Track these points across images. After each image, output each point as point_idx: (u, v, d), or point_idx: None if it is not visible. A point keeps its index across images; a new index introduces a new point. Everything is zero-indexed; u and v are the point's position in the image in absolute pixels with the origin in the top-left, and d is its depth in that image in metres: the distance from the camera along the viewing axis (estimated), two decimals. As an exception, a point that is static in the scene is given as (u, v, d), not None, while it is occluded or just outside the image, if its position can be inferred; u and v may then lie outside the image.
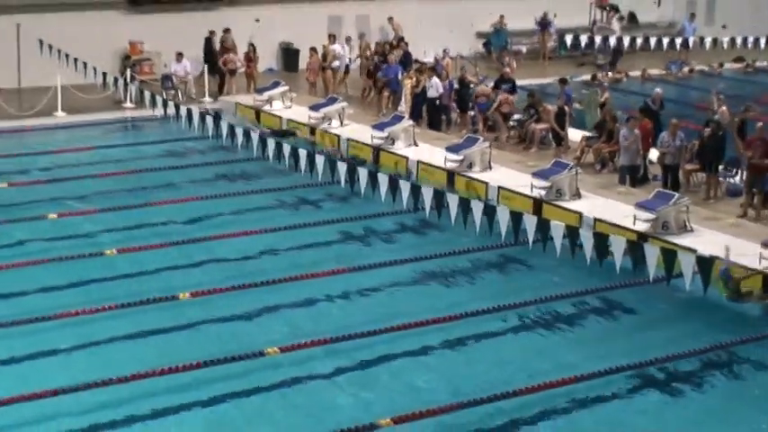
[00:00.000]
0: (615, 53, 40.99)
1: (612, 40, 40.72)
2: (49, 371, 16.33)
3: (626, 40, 40.29)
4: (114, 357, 16.90)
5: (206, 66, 36.23)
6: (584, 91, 33.43)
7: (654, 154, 25.86)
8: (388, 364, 16.90)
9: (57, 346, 17.14)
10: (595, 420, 15.46)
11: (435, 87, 31.00)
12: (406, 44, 36.88)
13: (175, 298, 19.04)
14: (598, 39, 41.21)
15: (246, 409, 15.50)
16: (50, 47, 32.08)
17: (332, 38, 37.00)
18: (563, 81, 30.88)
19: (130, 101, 33.10)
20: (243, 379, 16.16)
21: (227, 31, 36.64)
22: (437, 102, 31.16)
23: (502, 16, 41.87)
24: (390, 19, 39.74)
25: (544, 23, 42.63)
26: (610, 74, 39.23)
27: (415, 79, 31.48)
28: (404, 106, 31.84)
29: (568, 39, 41.98)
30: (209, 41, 36.41)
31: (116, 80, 31.96)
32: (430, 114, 31.31)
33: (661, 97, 28.50)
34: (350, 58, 36.69)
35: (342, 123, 30.78)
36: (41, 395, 15.17)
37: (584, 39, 41.23)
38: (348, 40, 37.50)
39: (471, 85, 32.11)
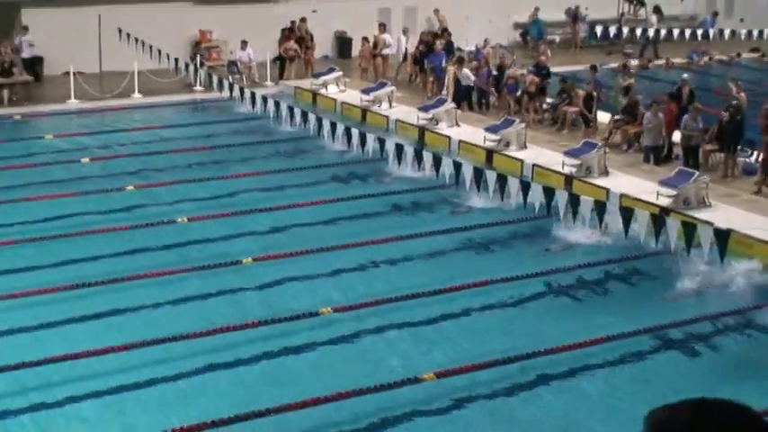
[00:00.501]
0: (650, 43, 41.07)
1: (651, 32, 40.77)
2: (135, 324, 16.47)
3: (651, 31, 40.36)
4: (188, 314, 17.05)
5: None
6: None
7: (677, 135, 25.73)
8: (434, 324, 16.91)
9: (141, 303, 17.34)
10: (626, 377, 15.52)
11: (466, 77, 31.06)
12: (449, 34, 36.83)
13: (239, 263, 19.14)
14: (626, 29, 41.08)
15: (306, 361, 15.63)
16: (128, 35, 32.26)
17: (382, 27, 37.01)
18: (593, 68, 30.74)
19: (200, 84, 33.24)
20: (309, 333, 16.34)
21: (302, 20, 36.75)
22: (470, 89, 31.16)
23: (537, 8, 41.75)
24: (436, 11, 39.69)
25: (575, 15, 42.49)
26: (637, 61, 38.98)
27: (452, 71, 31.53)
28: (447, 91, 31.81)
29: (598, 29, 41.75)
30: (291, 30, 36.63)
31: (187, 65, 32.12)
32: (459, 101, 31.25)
33: (691, 87, 28.30)
34: (406, 48, 36.69)
35: (390, 105, 30.84)
36: (131, 346, 15.35)
37: (612, 29, 41.08)
38: (405, 31, 37.48)
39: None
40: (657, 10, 43.35)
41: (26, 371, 14.72)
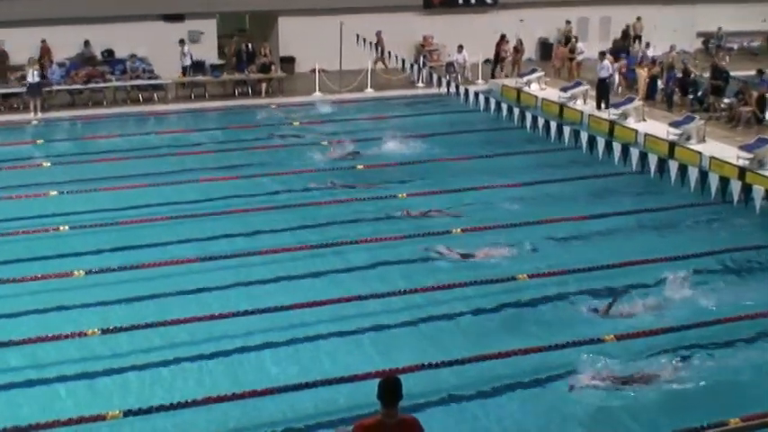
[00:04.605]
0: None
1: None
2: (257, 295, 16.03)
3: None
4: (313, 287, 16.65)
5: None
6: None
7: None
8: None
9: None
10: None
11: (606, 69, 30.03)
12: (640, 40, 36.01)
13: (448, 232, 19.00)
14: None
15: (504, 317, 15.48)
16: (364, 39, 32.62)
17: (573, 35, 36.73)
18: (759, 72, 29.34)
19: (422, 81, 33.35)
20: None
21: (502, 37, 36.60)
22: (606, 81, 30.02)
23: (719, 27, 40.45)
24: (639, 19, 38.59)
25: None
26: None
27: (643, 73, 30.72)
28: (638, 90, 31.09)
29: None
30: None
31: (412, 65, 32.24)
32: (599, 91, 30.14)
33: None
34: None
35: (584, 102, 30.34)
36: (251, 312, 15.13)
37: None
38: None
39: (691, 75, 30.96)
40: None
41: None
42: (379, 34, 35.01)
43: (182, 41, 32.68)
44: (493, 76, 35.32)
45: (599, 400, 12.80)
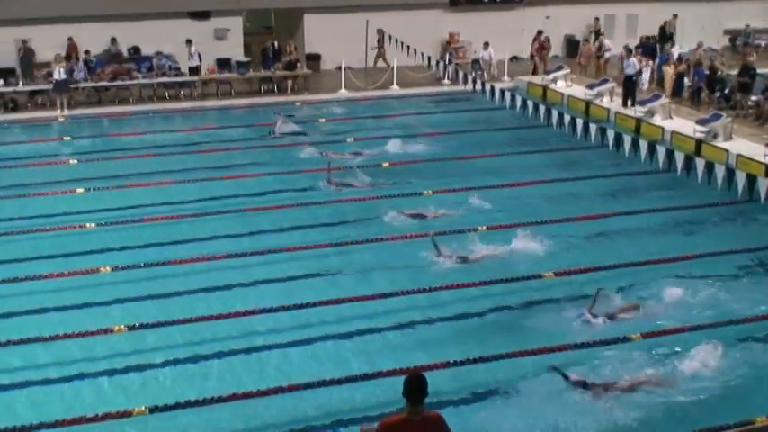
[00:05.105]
0: None
1: None
2: (285, 292, 16.04)
3: None
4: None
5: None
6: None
7: None
8: (638, 289, 16.32)
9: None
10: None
11: (632, 66, 29.89)
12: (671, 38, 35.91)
13: (474, 230, 18.92)
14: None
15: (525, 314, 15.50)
16: (390, 36, 32.61)
17: (600, 32, 36.49)
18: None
19: (447, 78, 33.33)
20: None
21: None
22: (633, 78, 29.87)
23: (747, 24, 40.12)
24: (675, 16, 38.32)
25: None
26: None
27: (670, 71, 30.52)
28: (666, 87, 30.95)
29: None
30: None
31: (437, 62, 32.23)
32: (626, 88, 29.96)
33: None
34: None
35: (611, 100, 30.21)
36: (277, 309, 15.14)
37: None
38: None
39: (718, 72, 30.74)
40: None
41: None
42: (380, 32, 35.05)
43: (188, 42, 32.71)
44: (535, 73, 35.08)
45: (640, 397, 12.76)
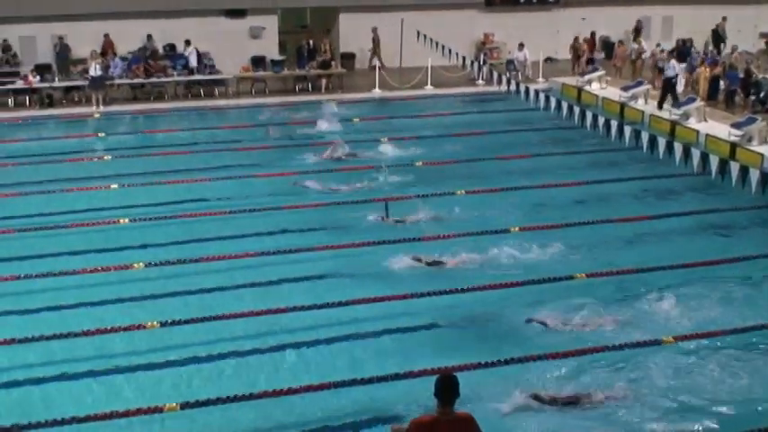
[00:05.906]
0: None
1: None
2: (316, 290, 16.05)
3: None
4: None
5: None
6: None
7: None
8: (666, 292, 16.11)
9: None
10: None
11: (673, 68, 29.74)
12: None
13: (507, 231, 18.84)
14: None
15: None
16: (425, 36, 32.59)
17: (639, 33, 36.28)
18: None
19: (482, 79, 33.25)
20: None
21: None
22: (672, 80, 29.69)
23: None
24: (724, 18, 38.04)
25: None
26: None
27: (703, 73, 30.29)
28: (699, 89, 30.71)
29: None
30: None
31: (472, 63, 32.16)
32: (665, 89, 29.79)
33: None
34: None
35: (646, 102, 30.04)
36: (309, 307, 15.13)
37: None
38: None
39: (753, 76, 30.48)
40: None
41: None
42: (374, 31, 35.09)
43: (187, 42, 32.78)
44: (582, 75, 34.93)
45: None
